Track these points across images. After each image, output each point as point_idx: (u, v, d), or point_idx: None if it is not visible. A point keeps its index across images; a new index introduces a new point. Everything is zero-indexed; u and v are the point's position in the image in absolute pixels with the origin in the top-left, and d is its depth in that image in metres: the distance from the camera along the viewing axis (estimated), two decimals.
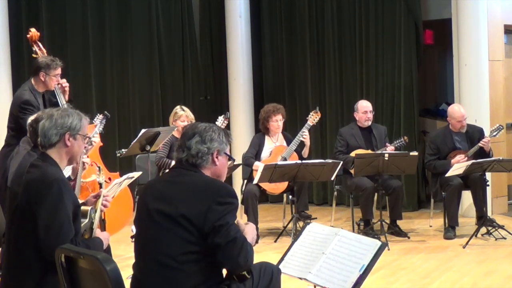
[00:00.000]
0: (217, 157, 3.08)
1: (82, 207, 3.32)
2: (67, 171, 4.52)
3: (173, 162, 6.66)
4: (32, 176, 3.17)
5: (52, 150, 3.27)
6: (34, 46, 5.78)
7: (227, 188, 3.01)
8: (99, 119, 5.83)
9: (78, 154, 3.38)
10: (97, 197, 3.51)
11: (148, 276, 2.95)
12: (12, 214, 3.23)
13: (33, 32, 5.79)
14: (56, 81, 5.52)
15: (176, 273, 2.88)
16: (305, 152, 6.97)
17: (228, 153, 3.16)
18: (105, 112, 5.94)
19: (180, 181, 3.03)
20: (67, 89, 5.64)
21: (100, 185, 3.86)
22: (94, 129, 5.71)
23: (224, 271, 3.09)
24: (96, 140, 5.66)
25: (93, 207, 3.40)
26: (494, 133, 6.78)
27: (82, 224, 3.29)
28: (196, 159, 3.04)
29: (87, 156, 5.27)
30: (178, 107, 7.02)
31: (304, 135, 6.86)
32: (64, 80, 5.64)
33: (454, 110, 6.90)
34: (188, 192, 2.96)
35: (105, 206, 3.53)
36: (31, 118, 4.20)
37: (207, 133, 3.07)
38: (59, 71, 5.53)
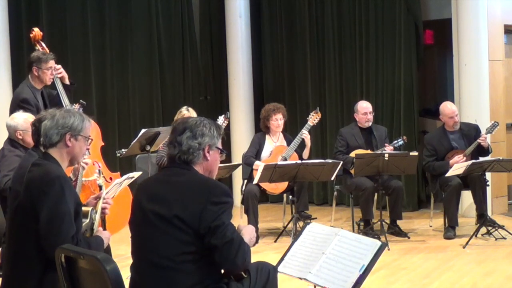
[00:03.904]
0: (208, 152, 3.05)
1: (83, 208, 3.33)
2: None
3: None
4: (33, 174, 3.18)
5: (53, 150, 3.28)
6: (37, 45, 5.77)
7: (221, 187, 2.98)
8: (75, 108, 5.76)
9: (80, 155, 3.38)
10: (98, 198, 3.53)
11: (145, 277, 2.95)
12: (14, 213, 3.23)
13: (36, 31, 5.79)
14: (50, 74, 5.51)
15: (173, 273, 2.87)
16: (305, 153, 6.96)
17: (220, 146, 3.13)
18: (81, 100, 5.74)
19: (174, 181, 3.00)
20: (64, 74, 5.63)
21: (100, 187, 3.86)
22: None
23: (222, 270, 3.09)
24: None
25: (93, 208, 3.42)
26: (490, 130, 6.77)
27: (83, 224, 3.30)
28: (188, 156, 3.01)
29: (88, 157, 5.26)
30: (184, 107, 6.97)
31: (304, 134, 6.86)
32: (60, 66, 5.62)
33: (445, 107, 6.94)
34: (182, 192, 2.94)
35: (105, 213, 3.54)
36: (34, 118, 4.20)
37: (198, 128, 3.04)
38: (51, 64, 5.50)
